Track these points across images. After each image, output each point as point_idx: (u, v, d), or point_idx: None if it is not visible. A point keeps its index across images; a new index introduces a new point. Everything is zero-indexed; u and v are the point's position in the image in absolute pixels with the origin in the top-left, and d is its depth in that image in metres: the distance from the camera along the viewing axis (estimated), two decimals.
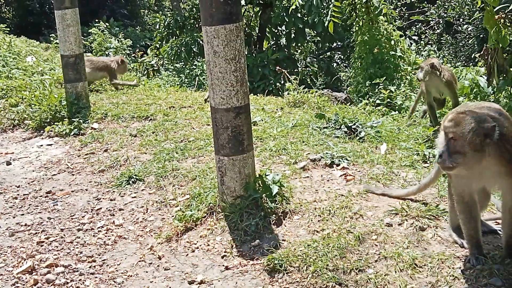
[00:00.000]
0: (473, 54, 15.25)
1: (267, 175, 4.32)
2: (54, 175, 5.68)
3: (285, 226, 4.11)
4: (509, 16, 7.26)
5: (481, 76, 8.70)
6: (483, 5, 7.35)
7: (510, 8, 7.32)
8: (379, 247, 3.72)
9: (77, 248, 4.26)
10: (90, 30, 16.30)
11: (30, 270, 3.95)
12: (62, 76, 7.74)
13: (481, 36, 15.54)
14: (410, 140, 5.83)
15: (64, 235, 4.47)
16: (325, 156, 5.14)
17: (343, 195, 4.42)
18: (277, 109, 7.31)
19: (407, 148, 5.55)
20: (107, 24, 17.83)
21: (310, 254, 3.67)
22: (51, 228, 4.58)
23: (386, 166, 5.01)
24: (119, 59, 9.13)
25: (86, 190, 5.27)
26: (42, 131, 6.99)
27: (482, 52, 8.29)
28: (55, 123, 6.95)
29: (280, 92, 11.71)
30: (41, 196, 5.22)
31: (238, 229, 4.11)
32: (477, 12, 14.89)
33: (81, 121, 6.87)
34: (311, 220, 4.10)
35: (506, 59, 7.88)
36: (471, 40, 16.69)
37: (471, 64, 13.75)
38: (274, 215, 4.17)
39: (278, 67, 11.68)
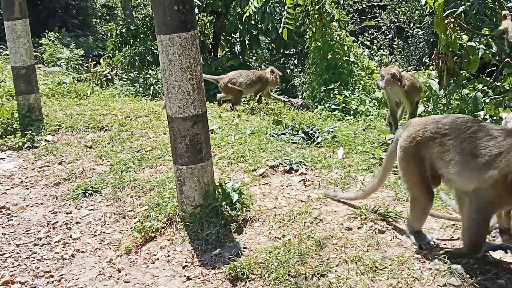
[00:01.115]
0: (424, 58, 15.58)
1: (227, 183, 4.31)
2: (8, 189, 5.53)
3: (246, 233, 4.09)
4: (458, 20, 7.44)
5: (432, 79, 8.89)
6: (432, 10, 7.50)
7: (458, 12, 7.51)
8: (340, 251, 3.74)
9: (33, 263, 4.16)
10: (40, 41, 16.01)
11: None
12: (13, 88, 7.57)
13: (432, 40, 15.90)
14: (366, 144, 5.91)
15: (20, 250, 4.36)
16: (283, 162, 5.15)
17: (302, 200, 4.43)
18: (234, 117, 7.31)
19: (363, 152, 5.62)
20: (58, 34, 17.55)
21: (272, 261, 3.67)
22: (6, 244, 4.46)
23: (343, 170, 5.06)
24: (269, 70, 8.71)
25: (42, 204, 5.16)
26: None
27: (433, 56, 8.45)
28: (7, 137, 6.78)
29: None
30: None
31: (198, 238, 4.08)
32: (427, 16, 15.21)
33: (34, 133, 6.72)
34: (272, 227, 4.10)
35: (456, 63, 8.06)
36: (422, 44, 17.05)
37: (422, 67, 14.03)
38: (234, 223, 4.16)
39: None
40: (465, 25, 7.71)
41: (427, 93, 8.66)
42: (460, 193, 3.67)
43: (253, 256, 3.76)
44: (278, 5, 13.96)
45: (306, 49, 12.45)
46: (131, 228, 4.45)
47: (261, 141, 5.88)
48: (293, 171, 5.05)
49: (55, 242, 4.46)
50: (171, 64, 3.94)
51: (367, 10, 18.79)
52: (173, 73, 3.95)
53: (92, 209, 4.93)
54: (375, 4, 18.62)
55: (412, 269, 3.50)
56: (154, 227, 4.28)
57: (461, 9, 7.98)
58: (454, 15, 7.48)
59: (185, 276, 3.79)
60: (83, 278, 3.94)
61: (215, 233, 4.06)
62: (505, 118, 4.15)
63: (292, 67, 19.45)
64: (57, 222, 4.78)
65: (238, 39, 15.95)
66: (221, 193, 4.24)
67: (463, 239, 3.61)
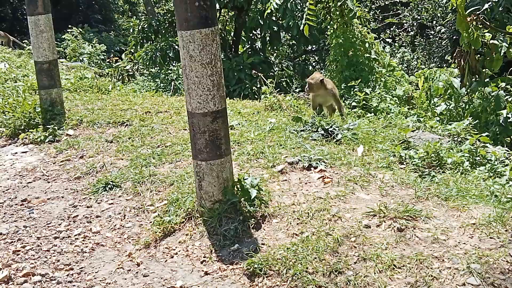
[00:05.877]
0: (447, 56, 15.45)
1: (245, 179, 4.31)
2: (29, 182, 5.60)
3: (264, 229, 4.10)
4: (481, 18, 7.36)
5: (454, 77, 8.81)
6: (455, 7, 7.44)
7: (483, 9, 7.44)
8: (358, 249, 3.74)
9: (54, 256, 4.21)
10: (63, 36, 16.16)
11: (6, 279, 3.88)
12: (36, 82, 7.65)
13: (454, 38, 15.75)
14: (386, 141, 5.88)
15: (41, 243, 4.41)
16: (302, 159, 5.15)
17: (321, 197, 4.43)
18: (253, 113, 7.31)
19: (383, 149, 5.59)
20: (81, 29, 17.70)
21: (290, 257, 3.67)
22: (27, 237, 4.52)
23: (363, 168, 5.03)
24: None
25: (62, 197, 5.21)
26: (16, 139, 6.89)
27: (455, 54, 8.38)
28: (30, 130, 6.86)
29: (256, 96, 11.74)
30: (16, 204, 5.14)
31: (217, 233, 4.10)
32: (450, 14, 15.08)
33: (56, 127, 6.79)
34: (290, 223, 4.10)
35: (478, 61, 7.98)
36: (444, 41, 16.90)
37: (444, 65, 13.92)
38: (253, 219, 4.17)
39: (254, 71, 11.69)
40: (488, 23, 7.63)
41: (448, 91, 8.58)
42: None
43: (271, 252, 3.77)
44: (299, 1, 13.95)
45: (327, 46, 12.42)
46: (150, 222, 4.48)
47: (280, 137, 5.88)
48: (312, 168, 5.04)
49: (75, 235, 4.50)
50: (191, 60, 3.96)
51: (389, 7, 18.67)
52: (193, 69, 3.97)
53: (112, 203, 4.97)
54: (398, 1, 18.49)
55: (431, 268, 3.49)
56: (173, 222, 4.31)
57: (486, 5, 7.90)
58: (478, 13, 7.41)
59: (203, 271, 3.81)
60: (102, 271, 3.97)
61: (234, 228, 4.08)
62: None
63: (313, 63, 19.41)
64: (77, 215, 4.83)
65: (259, 36, 15.95)
66: (239, 189, 4.25)
67: None
